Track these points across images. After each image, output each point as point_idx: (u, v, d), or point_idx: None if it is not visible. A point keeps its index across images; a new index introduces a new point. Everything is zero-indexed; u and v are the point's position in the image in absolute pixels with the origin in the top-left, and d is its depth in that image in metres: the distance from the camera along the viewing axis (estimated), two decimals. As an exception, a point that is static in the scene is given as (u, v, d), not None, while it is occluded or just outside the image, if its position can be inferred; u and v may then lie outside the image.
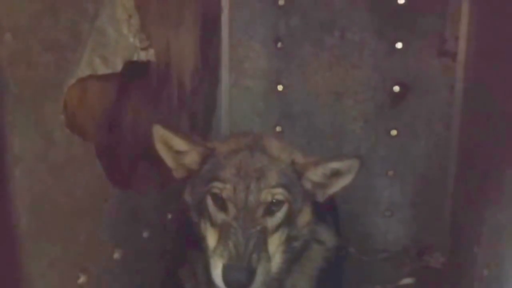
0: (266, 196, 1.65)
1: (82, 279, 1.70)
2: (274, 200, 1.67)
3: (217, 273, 1.56)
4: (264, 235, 1.62)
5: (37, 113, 1.42)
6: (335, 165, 1.77)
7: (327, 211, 1.97)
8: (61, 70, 1.51)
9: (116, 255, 1.91)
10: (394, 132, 2.83)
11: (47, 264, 1.52)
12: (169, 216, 2.32)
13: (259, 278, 1.55)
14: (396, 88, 2.78)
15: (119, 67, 1.79)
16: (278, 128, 2.92)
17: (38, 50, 1.39)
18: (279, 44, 2.82)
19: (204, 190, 1.73)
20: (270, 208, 1.67)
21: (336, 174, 1.77)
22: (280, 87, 2.89)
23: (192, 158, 1.81)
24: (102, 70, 1.70)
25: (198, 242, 1.84)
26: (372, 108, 2.83)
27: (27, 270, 1.44)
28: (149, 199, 2.14)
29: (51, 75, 1.46)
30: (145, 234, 2.12)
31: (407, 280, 2.60)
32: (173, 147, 1.80)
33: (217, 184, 1.68)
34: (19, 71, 1.32)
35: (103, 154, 1.76)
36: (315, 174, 1.77)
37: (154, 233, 2.17)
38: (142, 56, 1.95)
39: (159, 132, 1.79)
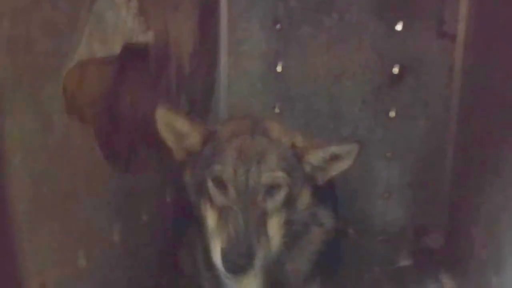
0: (267, 179, 1.65)
1: (81, 261, 1.71)
2: (274, 183, 1.67)
3: (216, 255, 1.57)
4: (264, 218, 1.63)
5: (36, 97, 1.41)
6: (334, 149, 1.77)
7: (326, 193, 1.98)
8: (60, 53, 1.50)
9: (116, 237, 1.92)
10: (392, 114, 2.83)
11: (47, 246, 1.53)
12: (168, 198, 2.33)
13: (259, 261, 1.56)
14: (395, 70, 2.77)
15: (117, 50, 1.78)
16: (276, 110, 2.92)
17: (37, 34, 1.38)
18: (278, 26, 2.80)
19: (204, 172, 1.73)
20: (270, 191, 1.67)
21: (335, 158, 1.78)
22: (278, 69, 2.87)
23: (194, 140, 1.81)
24: (100, 53, 1.69)
25: (197, 224, 1.85)
26: (370, 89, 2.82)
27: (27, 253, 1.46)
28: (148, 181, 2.15)
29: (49, 59, 1.45)
30: (144, 216, 2.13)
31: (405, 261, 2.63)
32: (175, 128, 1.80)
33: (218, 167, 1.68)
34: (17, 55, 1.32)
35: (102, 137, 1.77)
36: (314, 158, 1.78)
37: (153, 215, 2.18)
38: (141, 38, 1.93)
39: (162, 114, 1.79)
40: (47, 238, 1.53)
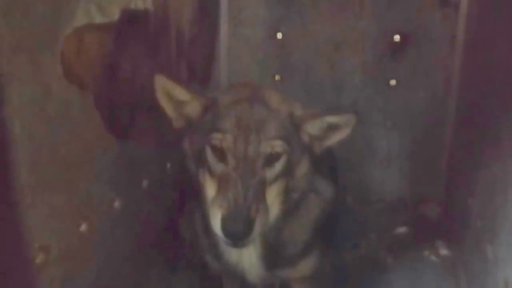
0: (266, 148, 1.65)
1: (83, 227, 1.73)
2: (273, 152, 1.67)
3: (216, 223, 1.57)
4: (262, 186, 1.63)
5: (34, 64, 1.41)
6: (331, 119, 1.76)
7: (325, 162, 1.98)
8: (57, 19, 1.48)
9: (117, 204, 1.94)
10: (393, 83, 2.82)
11: (48, 213, 1.54)
12: (168, 165, 2.34)
13: (257, 228, 1.56)
14: (397, 38, 2.75)
15: (116, 15, 1.76)
16: (276, 77, 2.90)
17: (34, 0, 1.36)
18: (279, -8, 2.77)
19: (203, 140, 1.72)
20: (269, 160, 1.67)
21: (332, 127, 1.77)
22: (279, 36, 2.85)
23: (193, 108, 1.80)
24: (98, 19, 1.68)
25: (196, 192, 1.86)
26: (371, 58, 2.81)
27: (29, 220, 1.47)
28: (148, 148, 2.16)
29: (47, 25, 1.44)
30: (145, 183, 2.15)
31: (402, 229, 2.65)
32: (174, 97, 1.79)
33: (217, 135, 1.67)
34: (15, 21, 1.30)
35: (101, 105, 1.76)
36: (311, 127, 1.77)
37: (153, 182, 2.20)
38: (140, 4, 1.91)
39: (161, 82, 1.77)
40: (48, 206, 1.54)
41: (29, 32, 1.37)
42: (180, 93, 1.78)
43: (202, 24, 2.60)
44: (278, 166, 1.69)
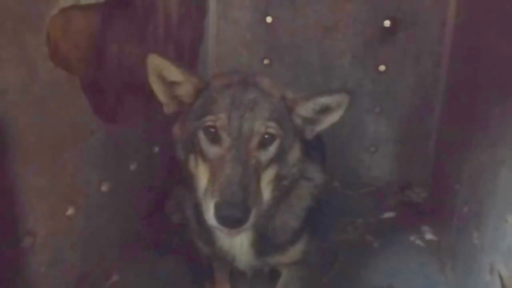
0: (260, 127, 1.62)
1: (70, 211, 1.72)
2: (267, 133, 1.65)
3: (209, 212, 1.50)
4: (257, 170, 1.61)
5: (19, 45, 1.38)
6: (324, 100, 1.74)
7: (315, 149, 1.97)
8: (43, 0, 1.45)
9: (104, 188, 1.92)
10: (382, 68, 2.81)
11: (35, 196, 1.53)
12: (156, 149, 2.33)
13: (254, 215, 1.51)
14: (387, 23, 2.74)
15: (103, -4, 1.73)
16: (265, 61, 2.88)
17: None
18: (269, -25, 2.74)
19: (196, 125, 1.68)
20: (263, 142, 1.64)
21: (325, 109, 1.75)
22: (268, 19, 2.82)
23: (186, 89, 1.75)
24: (85, -1, 1.65)
25: (185, 180, 1.83)
26: (361, 42, 2.79)
27: (16, 203, 1.45)
28: (135, 132, 2.14)
29: (33, 6, 1.41)
30: (132, 167, 2.14)
31: (389, 214, 2.67)
32: (168, 77, 1.73)
33: (211, 118, 1.64)
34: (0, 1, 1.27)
35: (88, 87, 1.74)
36: (305, 109, 1.75)
37: (140, 166, 2.18)
38: (127, -15, 1.88)
39: (154, 62, 1.70)
40: (34, 188, 1.52)
41: (15, 13, 1.34)
42: (175, 73, 1.72)
43: (190, 5, 2.57)
44: (272, 149, 1.66)
